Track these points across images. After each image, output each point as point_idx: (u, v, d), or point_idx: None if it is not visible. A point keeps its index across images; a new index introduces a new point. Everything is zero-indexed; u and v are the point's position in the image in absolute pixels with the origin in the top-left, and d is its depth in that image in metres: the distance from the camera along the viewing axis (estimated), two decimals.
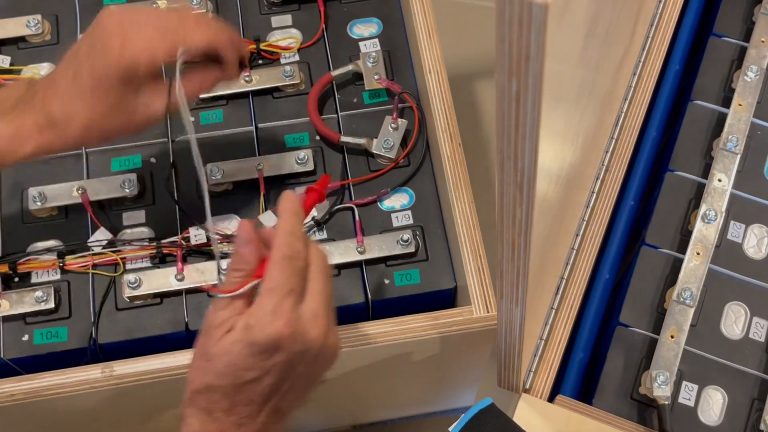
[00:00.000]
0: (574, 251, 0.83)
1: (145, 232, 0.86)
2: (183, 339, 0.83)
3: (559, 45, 0.44)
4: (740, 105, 0.91)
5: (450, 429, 0.72)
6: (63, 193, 0.86)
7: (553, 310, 0.81)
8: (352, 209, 0.87)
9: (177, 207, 0.86)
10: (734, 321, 0.84)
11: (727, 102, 0.92)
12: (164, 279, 0.83)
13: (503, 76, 0.40)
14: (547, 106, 0.43)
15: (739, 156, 0.89)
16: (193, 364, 0.64)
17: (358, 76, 0.92)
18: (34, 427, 0.89)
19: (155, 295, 0.83)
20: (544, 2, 0.35)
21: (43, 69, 0.91)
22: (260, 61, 0.93)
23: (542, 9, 0.36)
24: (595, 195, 0.86)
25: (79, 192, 0.85)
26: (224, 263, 0.82)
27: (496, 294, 0.78)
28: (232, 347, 0.62)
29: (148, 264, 0.84)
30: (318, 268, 0.65)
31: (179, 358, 0.78)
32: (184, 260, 0.84)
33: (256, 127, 0.90)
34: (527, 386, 0.78)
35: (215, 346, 0.62)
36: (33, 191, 0.86)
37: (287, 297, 0.62)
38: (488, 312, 0.79)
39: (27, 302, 0.82)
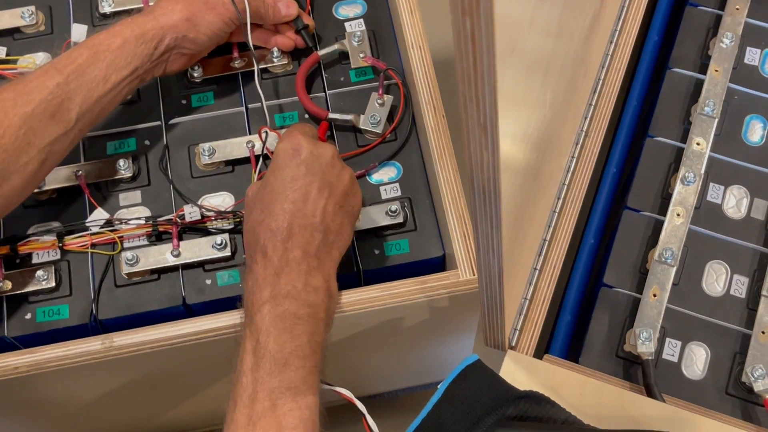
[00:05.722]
0: (556, 214, 0.85)
1: (141, 211, 0.88)
2: (180, 313, 0.85)
3: None
4: (716, 71, 0.93)
5: (439, 386, 0.74)
6: (61, 176, 0.89)
7: (537, 271, 0.83)
8: None
9: (171, 186, 0.89)
10: (715, 279, 0.86)
11: (704, 69, 0.95)
12: (161, 255, 0.85)
13: (457, 15, 0.42)
14: (501, 52, 0.46)
15: (716, 120, 0.91)
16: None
17: (344, 56, 0.95)
18: (40, 404, 0.91)
19: (152, 272, 0.86)
20: None
21: (39, 58, 0.94)
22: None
23: None
24: (574, 160, 0.88)
25: (77, 174, 0.88)
26: (218, 238, 0.85)
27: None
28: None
29: (145, 242, 0.87)
30: None
31: (177, 328, 0.81)
32: (180, 237, 0.86)
33: (246, 108, 0.93)
34: (513, 344, 0.80)
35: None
36: None
37: (303, 132, 0.79)
38: (474, 275, 0.81)
39: (29, 281, 0.84)
